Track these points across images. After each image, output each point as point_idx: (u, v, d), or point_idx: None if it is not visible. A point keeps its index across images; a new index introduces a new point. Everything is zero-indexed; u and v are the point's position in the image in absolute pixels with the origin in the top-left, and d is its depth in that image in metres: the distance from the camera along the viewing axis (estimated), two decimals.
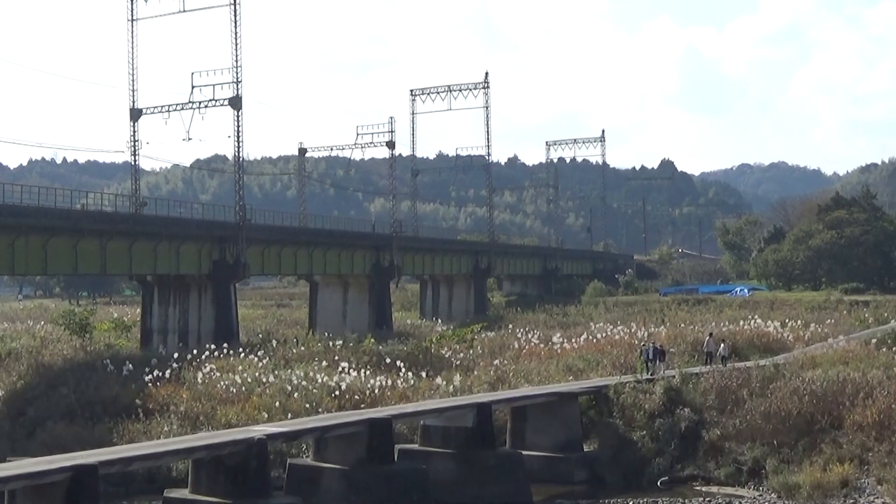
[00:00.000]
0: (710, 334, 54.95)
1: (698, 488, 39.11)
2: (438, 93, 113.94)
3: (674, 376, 45.09)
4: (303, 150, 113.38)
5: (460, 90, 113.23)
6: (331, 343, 60.64)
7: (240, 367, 52.77)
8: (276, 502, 31.66)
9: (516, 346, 64.96)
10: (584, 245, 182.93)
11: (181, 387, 49.14)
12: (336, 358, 55.24)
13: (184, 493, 31.78)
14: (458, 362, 57.66)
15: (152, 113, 77.36)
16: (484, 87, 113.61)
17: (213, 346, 58.38)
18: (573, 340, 64.51)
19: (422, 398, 46.76)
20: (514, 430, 42.78)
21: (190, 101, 76.02)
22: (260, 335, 74.18)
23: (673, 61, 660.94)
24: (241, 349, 59.95)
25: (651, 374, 46.47)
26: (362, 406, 45.31)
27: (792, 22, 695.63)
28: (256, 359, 55.24)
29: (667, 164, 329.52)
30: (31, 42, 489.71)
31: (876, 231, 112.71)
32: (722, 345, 51.61)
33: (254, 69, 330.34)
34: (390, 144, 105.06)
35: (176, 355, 55.06)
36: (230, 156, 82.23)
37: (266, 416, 44.05)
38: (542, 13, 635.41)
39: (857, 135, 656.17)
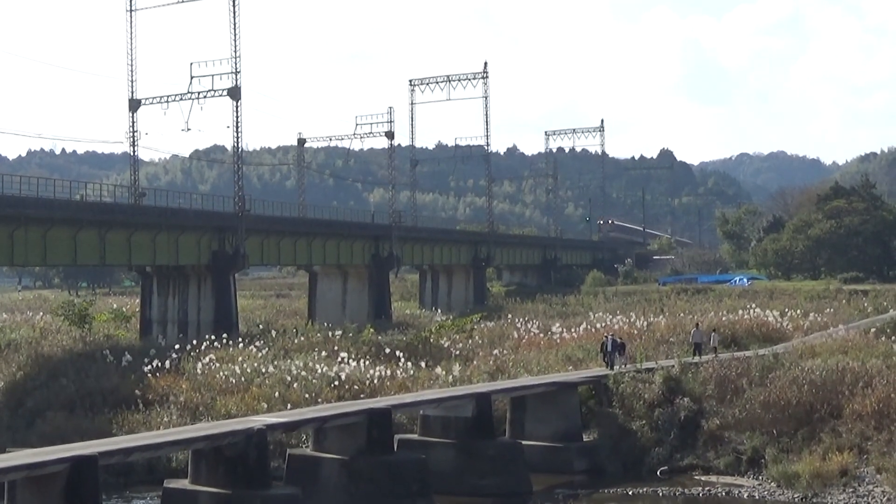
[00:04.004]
0: (697, 325, 54.63)
1: (698, 478, 39.18)
2: (437, 83, 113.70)
3: (631, 370, 45.20)
4: (302, 141, 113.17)
5: (459, 80, 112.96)
6: (330, 333, 60.69)
7: (239, 358, 52.79)
8: (276, 493, 31.66)
9: (516, 335, 64.98)
10: (584, 235, 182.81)
11: (181, 377, 49.18)
12: (335, 348, 55.30)
13: (184, 484, 31.80)
14: (457, 352, 57.66)
15: (151, 103, 77.22)
16: (483, 77, 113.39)
17: (212, 337, 58.41)
18: (572, 330, 64.53)
19: (421, 388, 46.80)
20: (514, 419, 42.82)
21: (189, 92, 75.89)
22: (259, 325, 74.14)
23: (672, 51, 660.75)
24: (240, 339, 60.02)
25: (610, 367, 46.38)
26: (362, 396, 45.34)
27: (791, 11, 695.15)
28: (256, 349, 55.28)
29: (666, 154, 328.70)
30: (30, 33, 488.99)
31: (875, 220, 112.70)
32: (713, 334, 51.63)
33: (253, 59, 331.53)
34: (389, 134, 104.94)
35: (176, 346, 55.07)
36: (229, 146, 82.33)
37: (265, 406, 44.09)
38: (541, 3, 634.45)
39: (856, 124, 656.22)
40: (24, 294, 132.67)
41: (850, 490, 35.14)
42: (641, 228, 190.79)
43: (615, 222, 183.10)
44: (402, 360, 51.97)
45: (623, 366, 46.48)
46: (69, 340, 63.81)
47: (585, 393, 44.72)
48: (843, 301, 79.70)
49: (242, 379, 48.30)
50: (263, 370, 49.73)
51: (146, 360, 51.47)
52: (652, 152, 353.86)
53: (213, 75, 74.61)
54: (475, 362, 53.61)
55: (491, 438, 39.07)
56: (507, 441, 40.78)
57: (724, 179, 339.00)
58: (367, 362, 51.27)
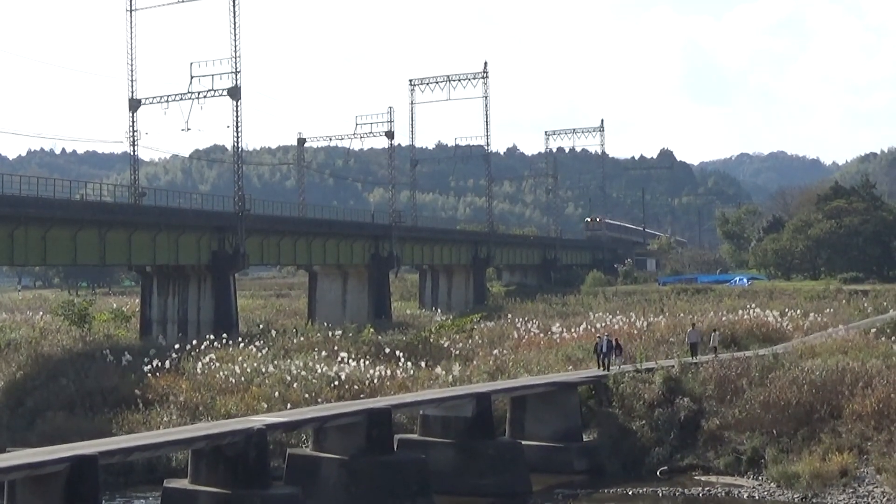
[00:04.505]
0: (693, 325, 54.58)
1: (697, 478, 39.16)
2: (437, 82, 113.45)
3: (630, 369, 45.12)
4: (302, 140, 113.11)
5: (459, 80, 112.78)
6: (330, 333, 60.66)
7: (239, 358, 52.77)
8: (276, 492, 31.65)
9: (515, 335, 64.94)
10: (584, 235, 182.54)
11: (180, 377, 49.18)
12: (335, 348, 55.28)
13: (184, 484, 31.78)
14: (457, 352, 57.63)
15: (151, 103, 77.18)
16: (483, 77, 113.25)
17: (212, 337, 58.40)
18: (572, 330, 64.49)
19: (421, 388, 46.79)
20: (514, 419, 42.81)
21: (189, 92, 75.84)
22: (259, 325, 74.14)
23: (672, 51, 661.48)
24: (240, 339, 60.00)
25: (606, 368, 46.31)
26: (362, 396, 45.34)
27: (791, 11, 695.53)
28: (256, 349, 55.27)
29: (666, 154, 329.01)
30: (30, 33, 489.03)
31: (875, 220, 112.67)
32: (714, 334, 51.57)
33: (253, 59, 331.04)
34: (389, 134, 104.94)
35: (176, 346, 55.07)
36: (229, 146, 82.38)
37: (265, 406, 44.08)
38: (541, 3, 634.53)
39: (856, 124, 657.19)
40: (24, 294, 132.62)
41: (850, 490, 35.12)
42: (638, 227, 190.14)
43: (606, 220, 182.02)
44: (402, 359, 51.96)
45: (619, 366, 46.41)
46: (69, 340, 63.78)
47: (585, 393, 44.70)
48: (843, 301, 79.69)
49: (242, 379, 48.29)
50: (263, 370, 49.72)
51: (146, 360, 51.46)
52: (652, 152, 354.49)
53: (213, 75, 74.59)
54: (475, 362, 53.57)
55: (491, 438, 39.05)
56: (507, 441, 40.76)
57: (724, 179, 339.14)
58: (367, 362, 51.25)
